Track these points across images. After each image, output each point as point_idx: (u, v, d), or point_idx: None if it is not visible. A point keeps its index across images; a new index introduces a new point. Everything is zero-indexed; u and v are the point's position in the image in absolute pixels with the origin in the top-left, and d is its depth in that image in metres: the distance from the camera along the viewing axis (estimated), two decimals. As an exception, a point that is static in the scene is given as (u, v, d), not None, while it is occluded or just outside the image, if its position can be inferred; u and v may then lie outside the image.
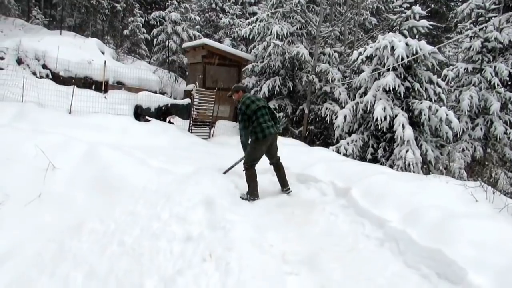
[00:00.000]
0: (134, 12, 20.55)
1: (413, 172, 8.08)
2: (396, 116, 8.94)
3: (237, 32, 17.39)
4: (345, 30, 13.42)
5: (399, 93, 9.15)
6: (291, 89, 12.65)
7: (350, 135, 10.11)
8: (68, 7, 20.77)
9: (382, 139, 9.53)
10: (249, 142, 5.53)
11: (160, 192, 5.30)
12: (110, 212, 4.77)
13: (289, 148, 7.98)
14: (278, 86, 12.30)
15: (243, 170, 5.58)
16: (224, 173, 6.34)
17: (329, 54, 12.26)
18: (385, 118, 8.92)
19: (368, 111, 9.55)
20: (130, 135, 8.94)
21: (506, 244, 3.31)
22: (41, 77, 13.41)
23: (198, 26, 21.35)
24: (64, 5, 20.42)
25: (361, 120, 10.10)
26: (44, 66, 13.65)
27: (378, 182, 5.14)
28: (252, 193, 5.44)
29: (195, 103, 10.80)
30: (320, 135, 12.69)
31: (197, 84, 10.99)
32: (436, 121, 8.91)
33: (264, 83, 12.50)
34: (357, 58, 10.02)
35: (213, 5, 21.41)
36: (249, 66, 13.07)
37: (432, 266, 3.49)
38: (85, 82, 14.32)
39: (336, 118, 10.65)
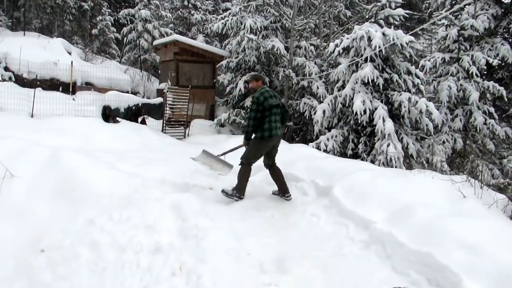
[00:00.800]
0: (103, 11, 19.78)
1: (395, 167, 7.85)
2: (376, 109, 8.70)
3: (210, 28, 16.88)
4: (320, 23, 13.15)
5: (378, 85, 8.92)
6: (268, 84, 12.30)
7: (329, 130, 9.82)
8: (33, 8, 19.82)
9: (362, 134, 9.28)
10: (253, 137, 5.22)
11: (128, 199, 4.90)
12: (73, 223, 4.35)
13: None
14: (254, 82, 11.92)
15: (239, 164, 5.30)
16: (218, 156, 6.22)
17: (305, 47, 11.97)
18: (364, 111, 8.66)
19: (347, 105, 9.28)
20: (97, 138, 8.41)
21: (500, 246, 3.03)
22: (3, 80, 12.66)
23: (171, 25, 20.75)
24: (29, 6, 19.47)
25: (341, 114, 9.84)
26: (6, 69, 12.90)
27: (361, 179, 4.85)
28: (239, 190, 5.18)
29: (168, 102, 10.32)
30: (299, 131, 12.40)
31: (169, 82, 10.49)
32: (416, 113, 8.71)
33: (240, 79, 12.10)
34: (334, 50, 9.74)
35: (185, 2, 20.81)
36: (224, 62, 12.65)
37: (422, 271, 3.20)
38: (52, 84, 13.64)
39: (315, 113, 10.35)
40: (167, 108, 10.20)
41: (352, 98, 9.09)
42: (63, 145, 7.83)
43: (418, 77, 9.26)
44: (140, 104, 9.60)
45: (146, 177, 5.61)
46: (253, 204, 5.28)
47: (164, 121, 10.24)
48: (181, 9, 21.06)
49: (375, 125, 8.59)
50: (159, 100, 10.19)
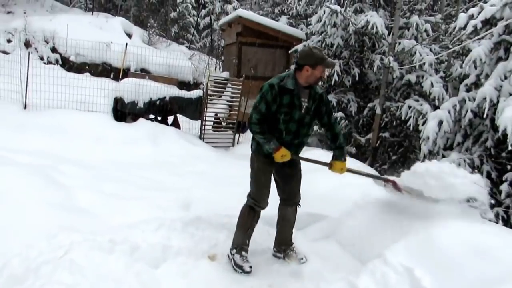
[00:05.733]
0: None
1: None
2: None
3: (295, 7, 13.72)
4: (442, -7, 9.14)
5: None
6: (357, 78, 8.79)
7: (447, 152, 6.21)
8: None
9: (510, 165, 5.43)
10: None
11: None
12: None
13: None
14: (338, 74, 8.51)
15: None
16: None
17: (416, 25, 8.18)
18: (519, 129, 4.82)
19: (483, 115, 5.50)
20: (95, 143, 6.00)
21: None
22: (49, 62, 11.20)
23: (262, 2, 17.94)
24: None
25: (469, 129, 6.07)
26: (54, 50, 11.41)
27: None
28: (238, 246, 3.27)
29: (211, 97, 7.57)
30: (397, 146, 8.67)
31: (216, 72, 7.69)
32: None
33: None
34: (466, 25, 5.98)
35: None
36: (299, 47, 9.42)
37: None
38: (103, 69, 11.90)
39: (424, 123, 6.71)
40: (207, 105, 7.41)
41: (496, 104, 5.31)
42: (40, 150, 5.52)
43: None
44: (167, 98, 6.96)
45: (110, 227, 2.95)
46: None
47: (203, 123, 7.48)
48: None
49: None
50: (196, 93, 7.46)
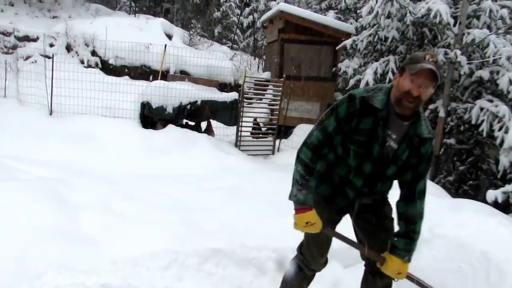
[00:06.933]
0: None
1: None
2: None
3: (344, 0, 12.64)
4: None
5: None
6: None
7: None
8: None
9: None
10: None
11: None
12: None
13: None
14: (393, 71, 7.42)
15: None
16: None
17: (489, 11, 6.91)
18: None
19: None
20: (119, 152, 5.45)
21: None
22: (89, 66, 11.02)
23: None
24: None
25: None
26: (93, 53, 11.22)
27: None
28: None
29: (248, 99, 6.82)
30: (466, 154, 7.41)
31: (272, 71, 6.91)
32: None
33: (370, 66, 7.77)
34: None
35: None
36: (348, 42, 8.41)
37: None
38: (142, 72, 11.56)
39: (502, 128, 5.55)
40: (243, 108, 6.64)
41: None
42: (58, 160, 5.06)
43: None
44: (199, 102, 6.26)
45: None
46: None
47: (239, 129, 6.73)
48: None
49: None
50: (231, 96, 6.71)
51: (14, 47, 11.48)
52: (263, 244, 3.49)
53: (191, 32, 13.64)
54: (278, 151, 7.31)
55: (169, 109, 6.07)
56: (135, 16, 14.05)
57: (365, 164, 1.86)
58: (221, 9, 17.66)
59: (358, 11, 10.06)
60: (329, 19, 9.53)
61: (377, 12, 7.28)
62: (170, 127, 6.01)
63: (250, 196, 4.75)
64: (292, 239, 2.64)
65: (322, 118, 1.89)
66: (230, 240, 3.52)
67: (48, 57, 10.96)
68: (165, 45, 11.01)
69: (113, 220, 3.65)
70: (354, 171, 1.89)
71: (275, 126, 7.35)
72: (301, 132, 8.06)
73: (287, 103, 7.51)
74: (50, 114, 6.25)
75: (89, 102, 6.32)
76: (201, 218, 3.90)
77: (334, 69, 9.22)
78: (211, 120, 6.83)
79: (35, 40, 11.51)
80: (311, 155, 1.85)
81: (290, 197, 1.89)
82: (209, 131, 6.80)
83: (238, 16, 16.69)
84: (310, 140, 1.86)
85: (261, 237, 3.56)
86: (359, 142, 1.82)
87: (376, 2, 7.35)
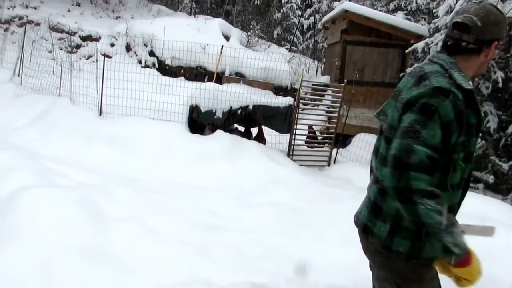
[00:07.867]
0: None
1: None
2: None
3: (416, 0, 11.62)
4: None
5: None
6: (500, 84, 6.62)
7: None
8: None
9: None
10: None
11: None
12: None
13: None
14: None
15: None
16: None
17: None
18: None
19: None
20: (161, 158, 5.14)
21: None
22: (146, 66, 11.05)
23: (368, 0, 16.12)
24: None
25: None
26: (151, 53, 11.25)
27: None
28: None
29: (304, 106, 6.24)
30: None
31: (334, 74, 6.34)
32: None
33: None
34: None
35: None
36: (420, 45, 7.54)
37: None
38: (197, 73, 11.40)
39: None
40: (297, 115, 6.08)
41: None
42: (101, 165, 4.85)
43: None
44: (250, 107, 5.80)
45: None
46: None
47: (293, 137, 6.18)
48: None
49: None
50: (286, 101, 6.19)
51: (78, 47, 11.86)
52: (319, 279, 2.95)
53: (249, 33, 13.30)
54: (334, 162, 6.67)
55: (219, 114, 5.69)
56: (195, 17, 13.97)
57: (467, 171, 1.55)
58: (281, 10, 17.21)
59: (433, 10, 9.10)
60: (398, 19, 8.66)
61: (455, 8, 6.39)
62: (219, 132, 5.63)
63: (301, 214, 4.19)
64: (359, 273, 2.13)
65: (415, 129, 1.39)
66: (276, 272, 3.01)
67: (109, 57, 11.20)
68: (222, 46, 10.77)
69: (145, 237, 3.29)
70: (457, 185, 1.53)
71: (332, 135, 6.71)
72: (361, 143, 7.35)
73: (347, 110, 6.84)
74: (100, 114, 6.12)
75: (139, 103, 6.11)
76: (242, 241, 3.42)
77: (402, 74, 8.35)
78: (262, 127, 6.36)
79: (97, 39, 11.80)
80: (427, 178, 1.35)
81: (455, 250, 1.31)
82: (260, 138, 6.34)
83: (299, 18, 16.12)
84: (412, 158, 1.35)
85: (317, 270, 3.02)
86: (463, 143, 1.49)
87: (457, 1, 6.46)
